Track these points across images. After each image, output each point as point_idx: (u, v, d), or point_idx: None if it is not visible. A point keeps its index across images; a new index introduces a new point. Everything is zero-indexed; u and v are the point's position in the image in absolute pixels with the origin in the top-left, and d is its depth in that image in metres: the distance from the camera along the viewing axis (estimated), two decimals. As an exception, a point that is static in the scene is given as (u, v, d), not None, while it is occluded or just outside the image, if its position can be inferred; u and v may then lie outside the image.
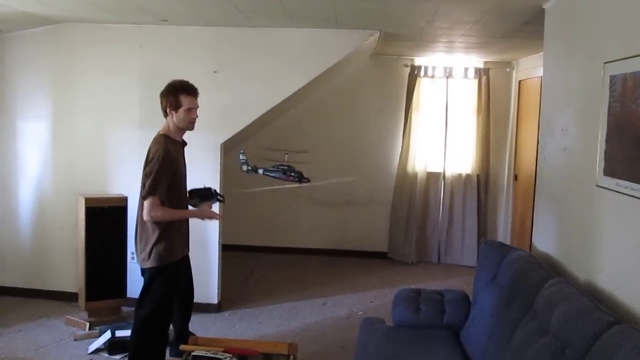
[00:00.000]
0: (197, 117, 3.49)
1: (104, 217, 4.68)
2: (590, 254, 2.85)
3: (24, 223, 5.24)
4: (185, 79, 3.54)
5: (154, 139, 3.43)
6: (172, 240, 3.40)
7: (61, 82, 5.10)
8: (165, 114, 3.46)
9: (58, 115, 5.12)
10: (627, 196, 2.42)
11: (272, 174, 4.44)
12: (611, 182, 2.57)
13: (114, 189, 4.98)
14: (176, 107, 3.39)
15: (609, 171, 2.61)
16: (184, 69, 4.77)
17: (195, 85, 3.68)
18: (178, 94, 3.40)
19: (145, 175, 3.33)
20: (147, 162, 3.35)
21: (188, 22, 4.74)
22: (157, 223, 3.34)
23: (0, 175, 5.22)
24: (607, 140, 2.63)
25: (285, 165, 4.46)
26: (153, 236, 3.36)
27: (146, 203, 3.29)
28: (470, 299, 3.65)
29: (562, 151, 3.34)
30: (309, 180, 4.47)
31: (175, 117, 3.41)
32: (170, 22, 4.77)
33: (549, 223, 3.56)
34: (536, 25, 3.91)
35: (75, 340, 4.39)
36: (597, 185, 2.72)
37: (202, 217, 3.64)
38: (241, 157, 4.52)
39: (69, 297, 5.00)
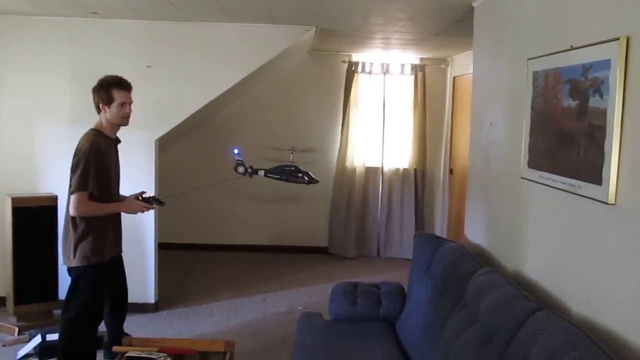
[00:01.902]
0: (130, 111, 3.41)
1: (33, 217, 4.50)
2: (517, 244, 2.95)
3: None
4: (118, 74, 3.43)
5: (84, 134, 3.33)
6: (99, 239, 3.31)
7: (-16, 76, 4.87)
8: (98, 110, 3.37)
9: (-19, 112, 4.89)
10: (549, 187, 2.52)
11: (276, 176, 4.06)
12: (535, 174, 2.67)
13: (45, 188, 4.80)
14: (109, 102, 3.31)
15: (532, 164, 2.71)
16: (116, 63, 4.68)
17: (129, 80, 3.56)
18: (110, 89, 3.31)
19: (72, 170, 3.24)
20: (74, 157, 3.26)
21: (120, 15, 4.61)
22: (83, 220, 3.25)
23: None
24: (530, 134, 2.73)
25: (292, 166, 4.12)
26: (77, 234, 3.26)
27: (73, 197, 3.20)
28: (406, 290, 3.73)
29: (490, 145, 3.45)
30: (317, 181, 4.15)
31: (109, 113, 3.33)
32: (101, 15, 4.63)
33: (479, 215, 3.67)
34: (467, 22, 4.02)
35: (4, 346, 4.22)
36: (522, 178, 2.82)
37: (133, 211, 3.49)
38: (237, 157, 4.03)
39: (-4, 302, 4.79)
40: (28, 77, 4.84)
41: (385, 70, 6.87)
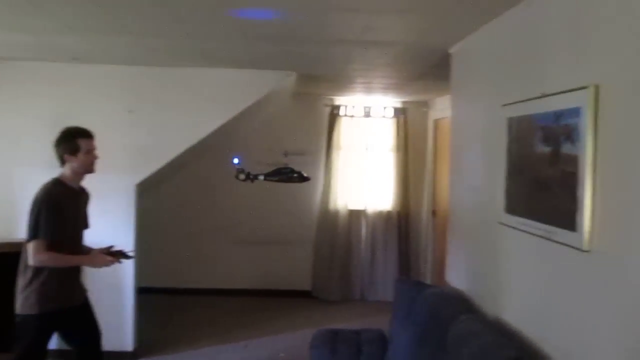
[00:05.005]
0: (97, 157, 3.41)
1: (7, 263, 4.39)
2: (497, 290, 2.93)
3: None
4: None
5: (43, 183, 3.32)
6: (47, 288, 3.22)
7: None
8: (62, 162, 3.36)
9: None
10: (526, 233, 2.52)
11: (274, 178, 4.34)
12: (512, 220, 2.67)
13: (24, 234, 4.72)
14: (75, 151, 3.32)
15: (510, 209, 2.71)
16: (96, 108, 4.70)
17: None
18: (75, 139, 3.34)
19: (29, 219, 3.20)
20: (31, 206, 3.23)
21: (100, 60, 4.64)
22: (31, 268, 3.20)
23: None
24: (506, 180, 2.74)
25: (288, 168, 4.40)
26: (25, 281, 3.22)
27: (30, 246, 3.17)
28: (388, 337, 3.67)
29: (469, 189, 3.46)
30: (309, 179, 4.51)
31: (76, 162, 3.33)
32: (82, 60, 4.65)
33: (460, 260, 3.65)
34: (445, 68, 4.08)
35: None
36: (500, 223, 2.82)
37: (97, 265, 3.41)
38: (237, 165, 4.27)
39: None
40: (7, 122, 4.82)
41: (367, 114, 6.94)
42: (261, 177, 4.26)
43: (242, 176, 4.24)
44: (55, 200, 3.24)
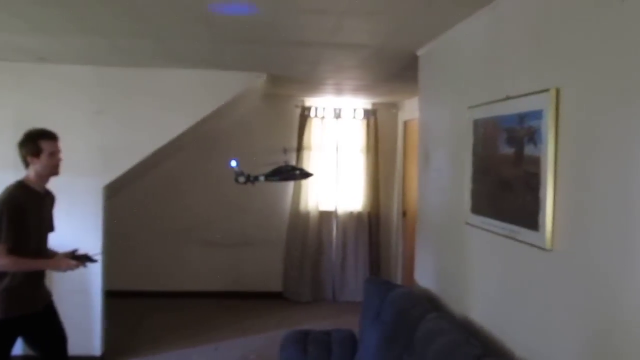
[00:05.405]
0: (61, 160, 3.37)
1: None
2: (464, 288, 2.98)
3: None
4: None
5: (7, 186, 3.25)
6: (4, 295, 3.16)
7: None
8: (26, 164, 3.31)
9: None
10: (490, 233, 2.57)
11: (275, 177, 4.22)
12: (477, 220, 2.72)
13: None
14: (37, 153, 3.27)
15: (475, 209, 2.76)
16: (62, 109, 4.62)
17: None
18: (37, 141, 3.28)
19: None
20: None
21: (67, 60, 4.56)
22: None
23: None
24: (472, 180, 2.79)
25: (289, 166, 4.32)
26: None
27: None
28: (357, 337, 3.69)
29: (436, 190, 3.51)
30: (312, 174, 4.45)
31: (39, 164, 3.28)
32: (49, 61, 4.57)
33: (428, 259, 3.70)
34: (414, 70, 4.12)
35: None
36: (466, 223, 2.87)
37: (60, 269, 3.38)
38: (235, 169, 4.18)
39: None
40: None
41: (338, 115, 6.96)
42: (262, 178, 4.17)
43: (241, 179, 4.15)
44: (17, 203, 3.17)
